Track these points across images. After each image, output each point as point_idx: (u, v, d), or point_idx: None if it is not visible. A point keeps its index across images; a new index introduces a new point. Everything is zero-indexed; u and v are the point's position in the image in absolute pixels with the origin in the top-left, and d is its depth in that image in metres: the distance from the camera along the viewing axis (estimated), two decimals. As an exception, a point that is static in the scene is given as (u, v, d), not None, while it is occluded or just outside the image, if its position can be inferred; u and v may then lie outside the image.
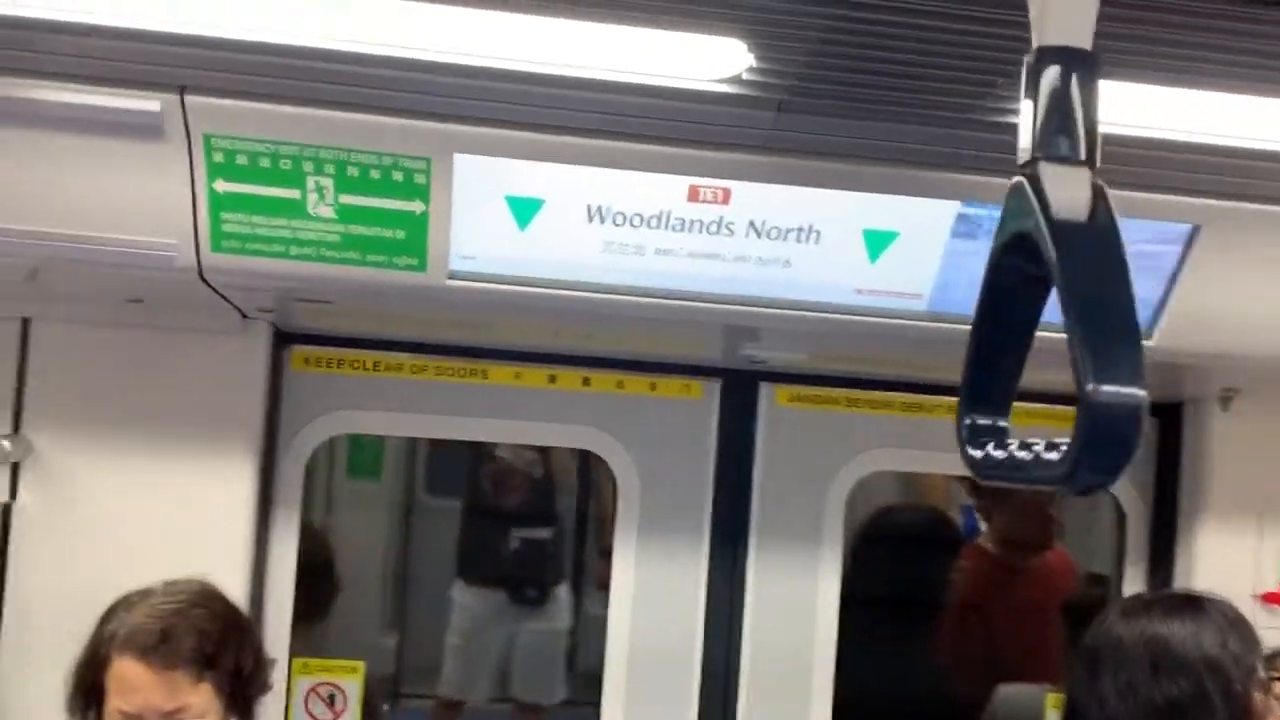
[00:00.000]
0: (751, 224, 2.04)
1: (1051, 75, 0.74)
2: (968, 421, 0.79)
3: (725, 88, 1.76)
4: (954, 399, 2.75)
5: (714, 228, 2.04)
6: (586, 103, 1.82)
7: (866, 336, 2.20)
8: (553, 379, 2.66)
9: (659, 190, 1.99)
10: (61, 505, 2.35)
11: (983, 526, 3.50)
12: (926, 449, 2.78)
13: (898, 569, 3.19)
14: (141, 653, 1.82)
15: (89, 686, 1.87)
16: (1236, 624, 1.91)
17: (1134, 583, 2.83)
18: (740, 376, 2.69)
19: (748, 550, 2.70)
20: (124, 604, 1.91)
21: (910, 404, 2.76)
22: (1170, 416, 2.78)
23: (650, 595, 2.66)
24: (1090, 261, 0.70)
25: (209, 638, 1.86)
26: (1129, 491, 2.83)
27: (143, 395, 2.38)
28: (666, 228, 2.03)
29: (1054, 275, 0.69)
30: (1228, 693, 1.82)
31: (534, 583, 4.20)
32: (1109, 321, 0.67)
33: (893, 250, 2.10)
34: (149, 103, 1.80)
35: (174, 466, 2.37)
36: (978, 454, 0.77)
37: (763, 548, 2.70)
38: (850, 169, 1.93)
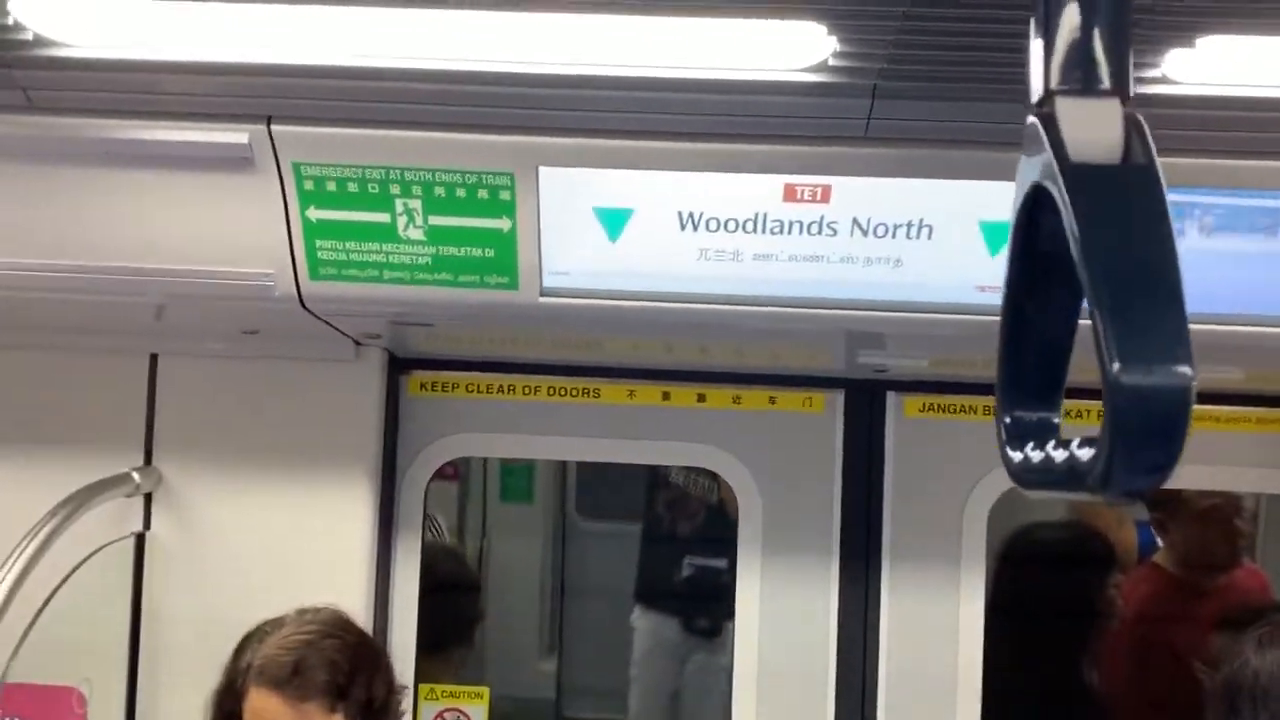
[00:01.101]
0: (855, 221, 1.91)
1: None
2: (1008, 419, 0.66)
3: (812, 76, 1.65)
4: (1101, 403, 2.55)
5: (815, 228, 1.92)
6: (670, 104, 1.75)
7: (991, 338, 2.02)
8: (667, 396, 2.58)
9: (753, 191, 1.89)
10: (191, 534, 2.42)
11: (1160, 543, 3.19)
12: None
13: (1043, 595, 2.94)
14: (275, 685, 1.84)
15: (226, 715, 1.90)
16: None
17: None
18: (865, 386, 2.55)
19: (881, 570, 2.54)
20: (258, 634, 1.93)
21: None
22: None
23: (777, 618, 2.54)
24: (1118, 212, 0.56)
25: (341, 669, 1.87)
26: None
27: (264, 424, 2.43)
28: (764, 231, 1.92)
29: (1069, 231, 0.56)
30: None
31: (708, 613, 4.09)
32: (1141, 285, 0.53)
33: (1015, 242, 1.92)
34: (237, 134, 1.82)
35: (295, 494, 2.41)
36: (1017, 456, 0.63)
37: (898, 567, 2.53)
38: (959, 155, 1.79)
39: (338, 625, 1.99)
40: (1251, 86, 1.59)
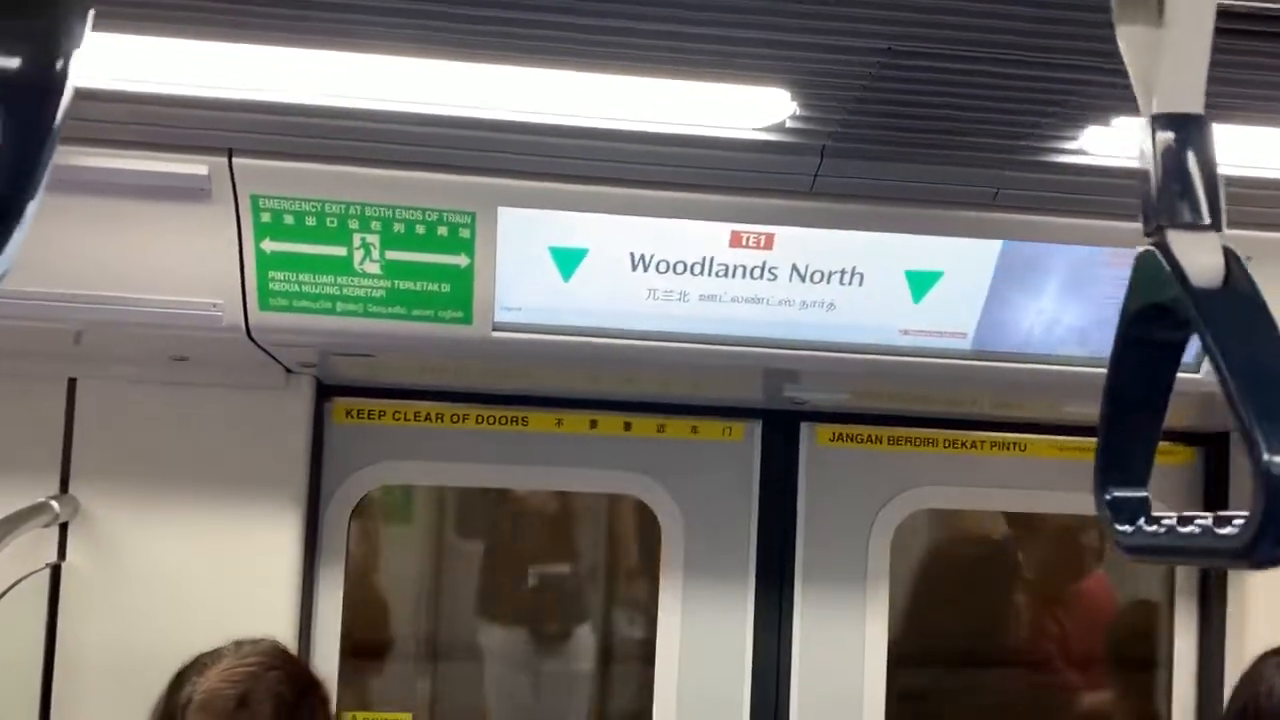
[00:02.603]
0: (795, 267, 2.04)
1: (1166, 140, 0.73)
2: (1109, 497, 0.77)
3: (769, 135, 1.77)
4: (997, 434, 2.75)
5: (757, 272, 2.04)
6: (630, 154, 1.83)
7: (912, 376, 2.19)
8: (594, 424, 2.66)
9: (702, 237, 1.99)
10: (109, 564, 2.36)
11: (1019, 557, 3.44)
12: (970, 486, 2.76)
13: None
14: (219, 719, 1.81)
15: None
16: None
17: (1185, 612, 2.79)
18: (781, 417, 2.68)
19: (793, 593, 2.67)
20: (195, 667, 1.90)
21: (953, 440, 2.74)
22: (1216, 445, 2.75)
23: (696, 641, 2.64)
24: (1239, 326, 0.69)
25: (285, 701, 1.85)
26: (1177, 522, 2.79)
27: (188, 452, 2.39)
28: (710, 274, 2.03)
29: (1206, 346, 0.68)
30: None
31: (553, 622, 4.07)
32: (1273, 385, 0.66)
33: (937, 290, 2.09)
34: (197, 166, 1.82)
35: (220, 522, 2.38)
36: (1127, 529, 0.75)
37: (808, 590, 2.68)
38: (893, 211, 1.94)
39: (280, 656, 1.98)
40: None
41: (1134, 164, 1.67)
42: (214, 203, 1.87)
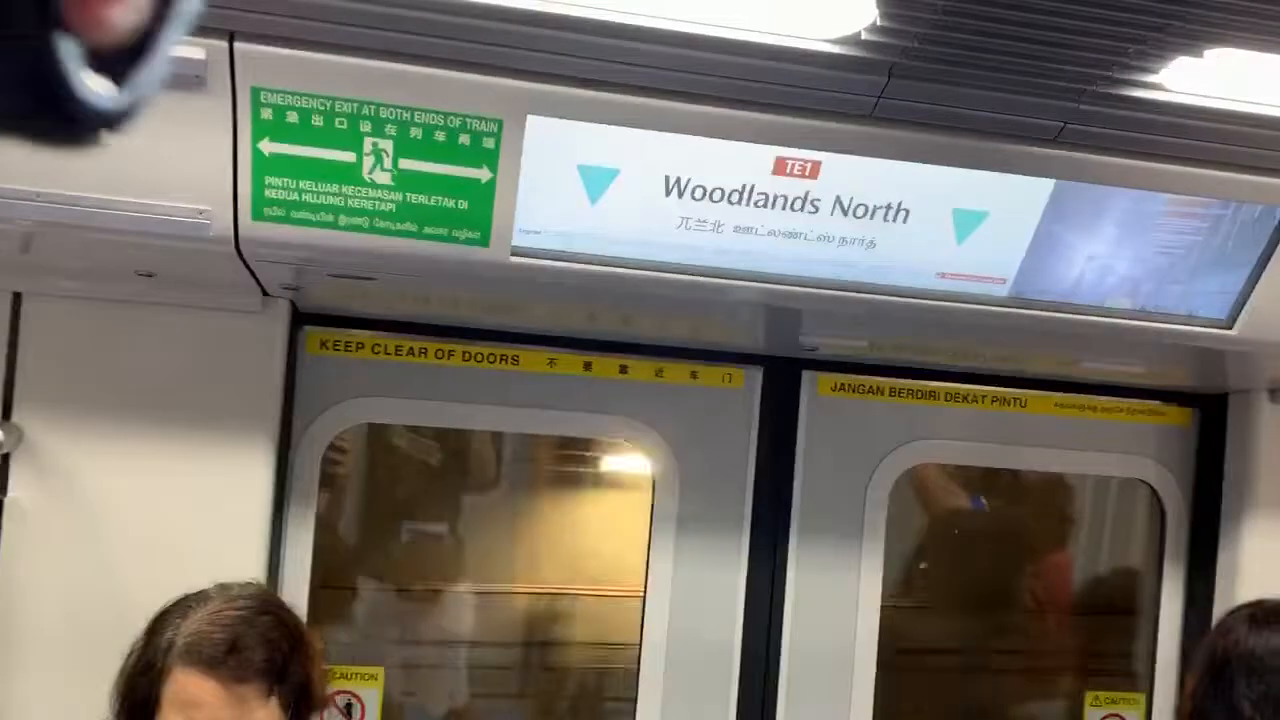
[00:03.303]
0: (838, 200, 1.90)
1: None
2: None
3: (838, 49, 1.62)
4: (998, 389, 2.66)
5: (799, 204, 1.90)
6: (675, 60, 1.67)
7: (944, 324, 2.08)
8: (588, 366, 2.50)
9: (744, 162, 1.84)
10: (57, 500, 2.12)
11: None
12: (971, 440, 2.68)
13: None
14: (209, 665, 1.63)
15: (141, 700, 1.67)
16: None
17: (1174, 580, 2.76)
18: (783, 364, 2.56)
19: (789, 544, 2.57)
20: (178, 610, 1.71)
21: (955, 394, 2.66)
22: (1214, 408, 2.71)
23: (688, 589, 2.52)
24: None
25: (279, 648, 1.68)
26: (1169, 486, 2.76)
27: (148, 379, 2.16)
28: (749, 203, 1.88)
29: None
30: None
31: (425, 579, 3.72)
32: None
33: (981, 231, 1.98)
34: (193, 50, 1.59)
35: (183, 457, 2.16)
36: None
37: (804, 541, 2.58)
38: (953, 142, 1.81)
39: (270, 602, 1.81)
40: (1244, 102, 1.69)
41: (1218, 103, 1.55)
42: (208, 94, 1.65)
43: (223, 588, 1.77)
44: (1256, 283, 2.07)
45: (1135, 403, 2.69)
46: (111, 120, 0.45)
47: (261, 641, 1.68)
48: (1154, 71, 1.66)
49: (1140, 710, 2.77)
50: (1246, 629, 1.80)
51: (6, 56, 0.40)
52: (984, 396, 2.68)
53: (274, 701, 1.69)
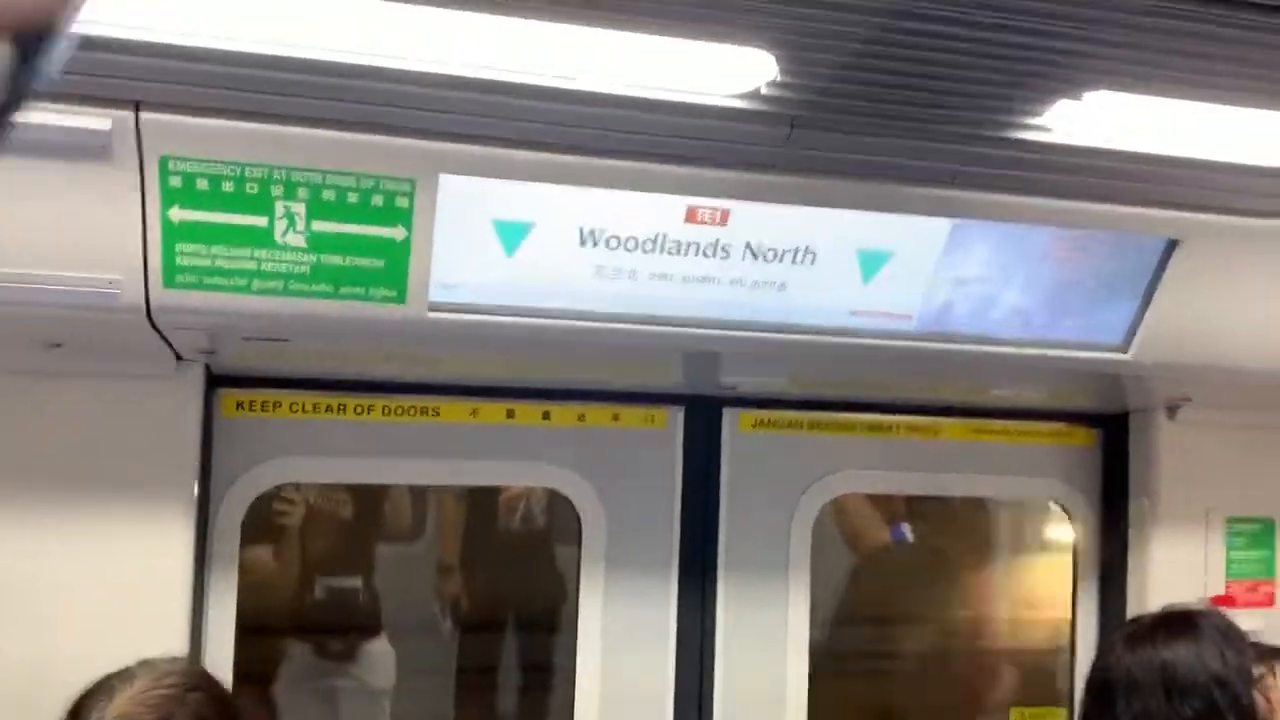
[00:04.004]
0: (748, 245, 1.95)
1: None
2: None
3: (741, 103, 1.68)
4: (913, 418, 2.74)
5: (710, 250, 1.94)
6: (587, 119, 1.70)
7: (857, 359, 2.14)
8: (511, 414, 2.51)
9: (656, 211, 1.88)
10: None
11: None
12: (889, 469, 2.75)
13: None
14: None
15: None
16: (1228, 633, 1.96)
17: (1088, 594, 2.86)
18: (704, 403, 2.60)
19: (716, 580, 2.60)
20: (103, 691, 1.65)
21: (873, 425, 2.73)
22: (1116, 428, 2.83)
23: (619, 633, 2.53)
24: None
25: None
26: (1078, 504, 2.87)
27: (60, 450, 2.11)
28: (662, 251, 1.93)
29: None
30: (1236, 704, 1.86)
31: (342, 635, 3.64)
32: None
33: (885, 270, 2.05)
34: (98, 120, 1.58)
35: (99, 527, 2.11)
36: None
37: (731, 578, 2.61)
38: (854, 187, 1.87)
39: (198, 677, 1.76)
40: (1123, 140, 1.78)
41: (1099, 143, 1.65)
42: (115, 164, 1.63)
43: (149, 665, 1.72)
44: (1147, 309, 2.18)
45: (1043, 425, 2.79)
46: None
47: None
48: (1038, 115, 1.74)
49: (1063, 724, 2.86)
50: (1124, 648, 1.88)
51: None
52: (900, 426, 2.76)
53: None
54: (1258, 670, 1.98)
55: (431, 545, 3.23)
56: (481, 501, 3.00)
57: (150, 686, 1.65)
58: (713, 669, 2.59)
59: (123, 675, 1.68)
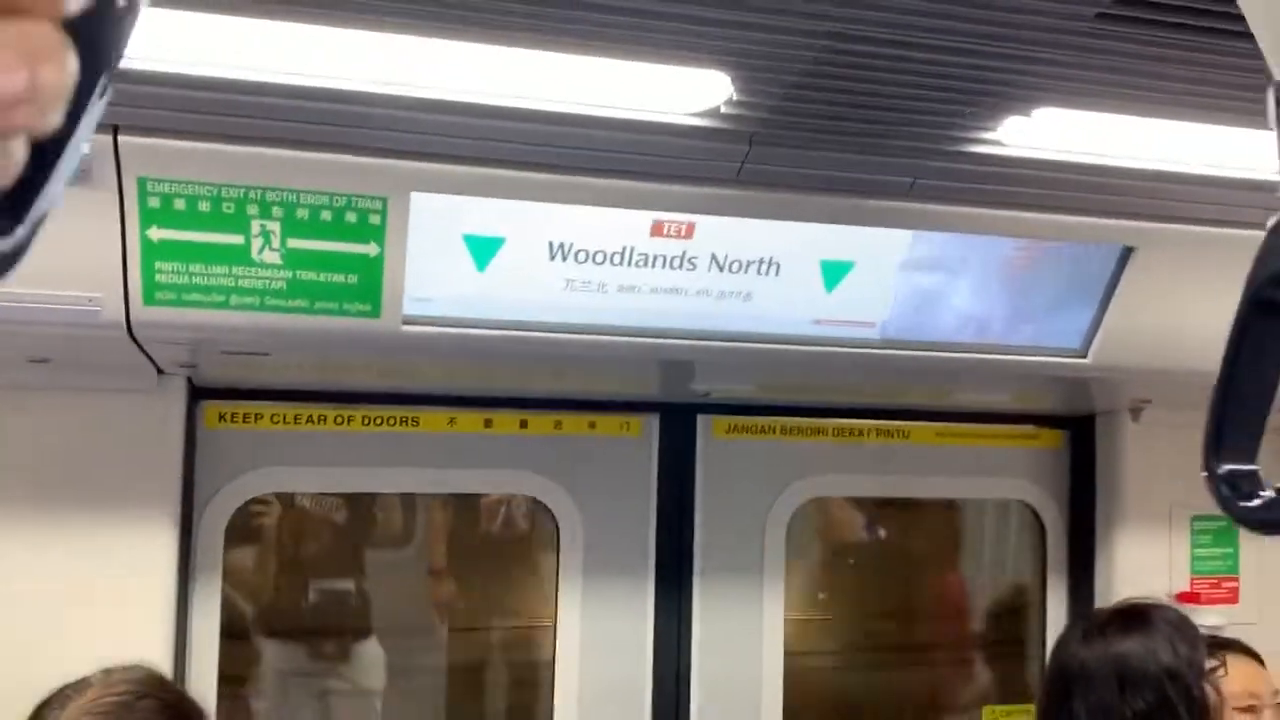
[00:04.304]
0: (714, 257, 2.01)
1: None
2: (1223, 471, 0.75)
3: (701, 121, 1.74)
4: (885, 422, 2.81)
5: (677, 262, 2.00)
6: (554, 138, 1.76)
7: (823, 366, 2.20)
8: (489, 423, 2.56)
9: (623, 226, 1.94)
10: None
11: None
12: (860, 473, 2.81)
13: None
14: None
15: None
16: (1180, 627, 2.01)
17: (1056, 590, 2.92)
18: (678, 410, 2.66)
19: (692, 584, 2.66)
20: (57, 700, 1.69)
21: (844, 429, 2.79)
22: (1082, 429, 2.89)
23: (597, 638, 2.59)
24: None
25: None
26: (1046, 504, 2.93)
27: (44, 463, 2.16)
28: (630, 264, 1.98)
29: None
30: (1188, 696, 1.91)
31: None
32: None
33: (848, 280, 2.11)
34: None
35: (83, 540, 2.16)
36: (1249, 504, 0.73)
37: (706, 582, 2.67)
38: (814, 201, 1.93)
39: (153, 684, 1.77)
40: (1073, 153, 1.85)
41: (1050, 155, 1.70)
42: (95, 186, 1.68)
43: (106, 673, 1.73)
44: (1105, 314, 2.24)
45: (1010, 428, 2.85)
46: (6, 262, 0.43)
47: None
48: (990, 129, 1.80)
49: (1034, 720, 2.92)
50: (1079, 642, 1.93)
51: None
52: (870, 430, 2.82)
53: None
54: (1209, 663, 2.04)
55: (420, 550, 3.27)
56: (464, 508, 3.04)
57: (101, 694, 1.68)
58: (689, 670, 2.65)
59: (78, 685, 1.70)
